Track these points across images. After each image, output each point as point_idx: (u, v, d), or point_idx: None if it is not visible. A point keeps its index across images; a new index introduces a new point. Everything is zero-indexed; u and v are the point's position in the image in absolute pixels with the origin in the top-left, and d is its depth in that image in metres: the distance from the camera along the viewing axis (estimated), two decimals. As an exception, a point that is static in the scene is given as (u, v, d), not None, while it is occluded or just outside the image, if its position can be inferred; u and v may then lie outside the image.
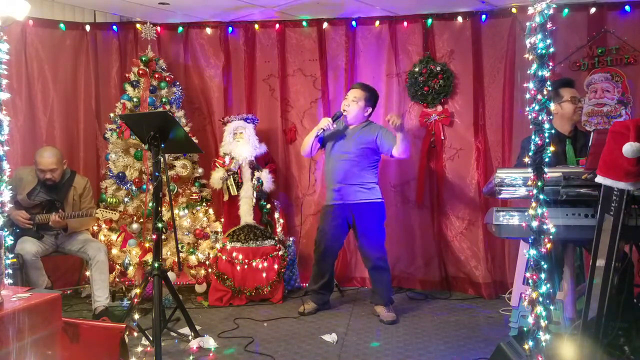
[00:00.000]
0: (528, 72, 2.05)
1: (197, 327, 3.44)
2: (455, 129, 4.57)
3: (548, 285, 2.04)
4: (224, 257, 4.24)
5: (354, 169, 3.86)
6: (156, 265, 3.13)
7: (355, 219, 3.88)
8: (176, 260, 4.18)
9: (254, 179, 4.46)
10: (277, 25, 4.80)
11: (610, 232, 2.17)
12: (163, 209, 3.53)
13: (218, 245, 4.32)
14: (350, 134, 3.93)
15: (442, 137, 4.56)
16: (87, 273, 4.00)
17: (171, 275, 4.27)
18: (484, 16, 4.43)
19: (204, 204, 4.56)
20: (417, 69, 4.54)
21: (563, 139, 3.24)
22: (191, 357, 3.14)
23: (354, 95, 3.92)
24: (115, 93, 4.80)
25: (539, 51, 2.01)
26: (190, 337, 3.34)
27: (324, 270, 4.05)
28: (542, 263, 2.03)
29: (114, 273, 4.23)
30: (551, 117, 2.13)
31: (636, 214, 2.19)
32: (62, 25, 4.68)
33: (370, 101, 3.95)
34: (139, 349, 3.16)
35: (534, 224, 2.04)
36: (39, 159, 3.95)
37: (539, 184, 2.04)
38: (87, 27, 4.75)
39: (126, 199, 4.31)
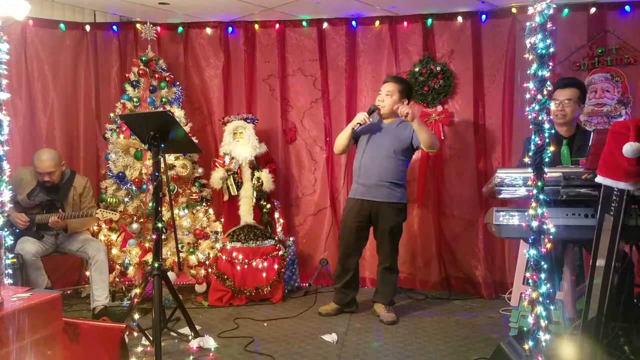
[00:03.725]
0: (528, 72, 2.05)
1: (197, 327, 3.44)
2: (455, 129, 4.57)
3: (548, 285, 2.04)
4: (224, 257, 4.24)
5: (389, 165, 3.79)
6: (156, 265, 3.13)
7: (379, 217, 3.82)
8: (176, 260, 4.18)
9: (254, 179, 4.46)
10: (277, 25, 4.80)
11: (610, 232, 2.17)
12: (163, 209, 3.53)
13: (218, 245, 4.32)
14: (385, 129, 3.87)
15: (442, 137, 4.56)
16: (87, 273, 4.00)
17: (171, 275, 4.27)
18: (484, 16, 4.43)
19: (204, 204, 4.56)
20: (417, 69, 4.54)
21: (560, 140, 3.23)
22: (191, 357, 3.13)
23: (387, 90, 3.84)
24: (115, 93, 4.80)
25: (539, 51, 2.01)
26: (190, 337, 3.34)
27: (346, 269, 3.97)
28: (542, 263, 2.03)
29: (114, 273, 4.23)
30: (550, 117, 2.14)
31: (636, 214, 2.19)
32: (62, 25, 4.68)
33: (405, 93, 3.85)
34: (139, 349, 3.16)
35: (534, 224, 2.04)
36: (37, 162, 3.94)
37: (539, 184, 2.04)
38: (87, 27, 4.75)
39: (126, 199, 4.31)
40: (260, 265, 4.24)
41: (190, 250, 4.40)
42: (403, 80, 3.98)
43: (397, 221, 3.86)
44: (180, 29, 4.88)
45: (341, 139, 3.91)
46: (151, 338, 3.06)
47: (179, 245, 4.07)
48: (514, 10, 4.32)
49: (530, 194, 2.07)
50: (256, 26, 4.82)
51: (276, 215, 4.64)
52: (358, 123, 3.80)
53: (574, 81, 3.34)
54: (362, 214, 3.86)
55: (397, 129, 3.85)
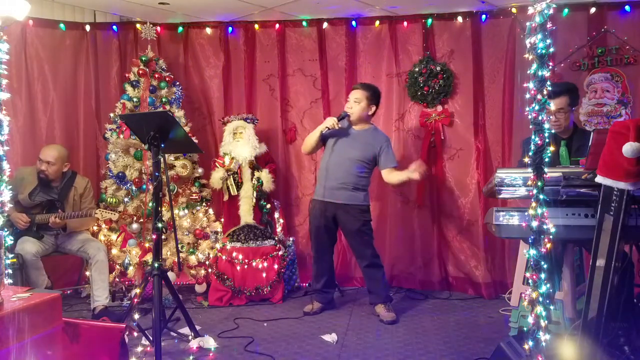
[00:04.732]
0: (528, 72, 2.05)
1: (197, 327, 3.44)
2: (455, 129, 4.57)
3: (548, 285, 2.04)
4: (224, 257, 4.24)
5: (353, 171, 3.85)
6: (156, 265, 3.13)
7: (343, 219, 3.88)
8: (176, 260, 4.18)
9: (254, 179, 4.46)
10: (277, 25, 4.80)
11: (610, 232, 2.17)
12: (163, 209, 3.53)
13: (218, 245, 4.32)
14: (354, 136, 3.91)
15: (442, 137, 4.56)
16: (87, 273, 4.00)
17: (171, 275, 4.27)
18: (484, 16, 4.43)
19: (204, 204, 4.56)
20: (417, 69, 4.54)
21: (558, 140, 3.23)
22: (191, 357, 3.14)
23: (355, 97, 3.90)
24: (115, 93, 4.80)
25: (539, 51, 2.01)
26: (190, 337, 3.34)
27: (323, 269, 4.05)
28: (542, 263, 2.03)
29: (114, 273, 4.23)
30: (550, 117, 2.14)
31: (636, 214, 2.19)
32: (62, 25, 4.68)
33: (373, 100, 3.92)
34: (139, 349, 3.16)
35: (534, 224, 2.04)
36: (42, 150, 4.02)
37: (539, 184, 2.04)
38: (87, 27, 4.75)
39: (126, 199, 4.31)
40: (260, 265, 4.24)
41: (190, 250, 4.40)
42: (370, 87, 4.01)
43: (363, 221, 3.89)
44: (180, 29, 4.88)
45: (309, 141, 3.96)
46: (151, 338, 3.06)
47: (179, 245, 4.07)
48: (514, 10, 4.32)
49: (530, 194, 2.07)
50: (256, 26, 4.82)
51: (276, 215, 4.64)
52: (327, 127, 3.84)
53: (562, 88, 3.23)
54: (327, 215, 3.91)
55: (366, 138, 3.89)
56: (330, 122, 3.83)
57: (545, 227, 2.04)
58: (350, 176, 3.85)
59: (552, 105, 3.09)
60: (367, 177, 3.94)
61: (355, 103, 3.89)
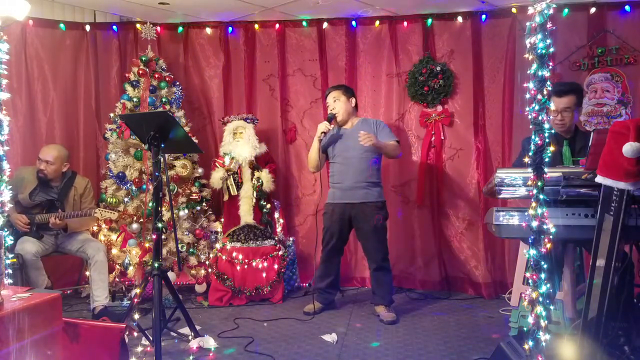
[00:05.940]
0: (528, 72, 2.05)
1: (197, 327, 3.44)
2: (455, 129, 4.57)
3: (548, 285, 2.04)
4: (224, 257, 4.24)
5: (363, 167, 3.86)
6: (156, 265, 3.13)
7: (360, 218, 3.87)
8: (176, 260, 4.18)
9: (254, 179, 4.46)
10: (277, 25, 4.80)
11: (610, 232, 2.17)
12: (163, 209, 3.53)
13: (218, 245, 4.32)
14: (348, 135, 3.93)
15: (442, 137, 4.56)
16: (87, 273, 4.00)
17: (171, 275, 4.27)
18: (484, 16, 4.43)
19: (204, 204, 4.56)
20: (417, 69, 4.54)
21: (561, 140, 3.23)
22: (191, 357, 3.14)
23: (332, 97, 3.97)
24: (115, 93, 4.81)
25: (539, 51, 2.01)
26: (190, 337, 3.34)
27: (330, 269, 4.05)
28: (542, 263, 2.03)
29: (114, 273, 4.23)
30: (550, 117, 2.13)
31: (636, 214, 2.19)
32: (62, 25, 4.68)
33: (348, 93, 4.00)
34: (139, 349, 3.16)
35: (534, 224, 2.04)
36: (42, 149, 4.04)
37: (539, 184, 2.04)
38: (87, 27, 4.76)
39: (126, 199, 4.31)
40: (260, 265, 4.24)
41: (190, 250, 4.41)
42: (340, 85, 4.14)
43: (377, 221, 3.88)
44: (180, 29, 4.88)
45: (312, 155, 3.98)
46: (151, 338, 3.06)
47: (179, 245, 4.07)
48: (514, 10, 4.32)
49: (530, 194, 2.06)
50: (256, 26, 4.83)
51: (276, 215, 4.65)
52: (322, 132, 3.86)
53: (570, 87, 3.22)
54: (343, 217, 3.92)
55: (359, 131, 3.86)
56: (323, 126, 3.86)
57: (545, 227, 2.04)
58: (362, 173, 3.86)
59: (558, 104, 3.12)
60: (378, 168, 3.95)
61: (337, 102, 3.94)
